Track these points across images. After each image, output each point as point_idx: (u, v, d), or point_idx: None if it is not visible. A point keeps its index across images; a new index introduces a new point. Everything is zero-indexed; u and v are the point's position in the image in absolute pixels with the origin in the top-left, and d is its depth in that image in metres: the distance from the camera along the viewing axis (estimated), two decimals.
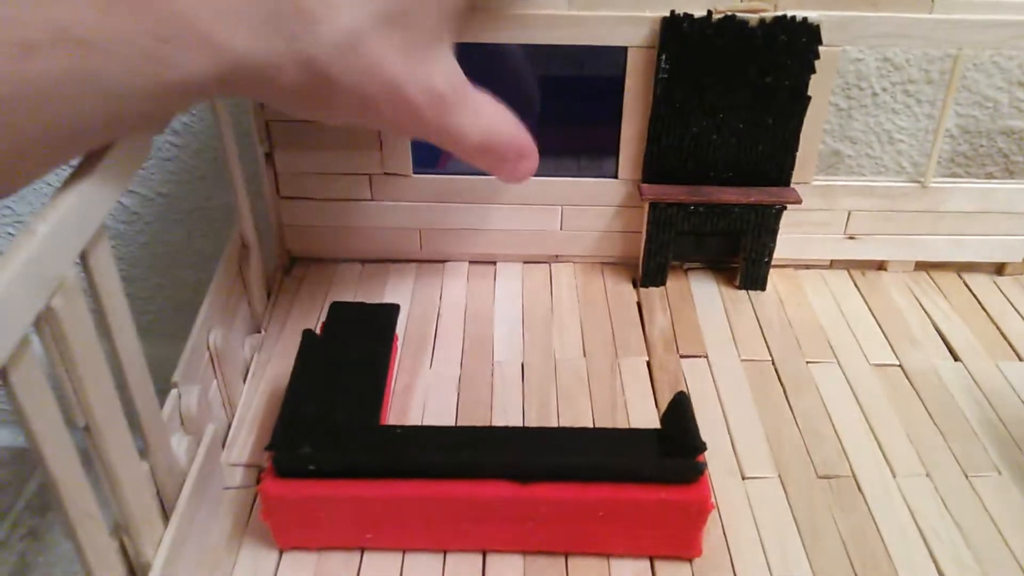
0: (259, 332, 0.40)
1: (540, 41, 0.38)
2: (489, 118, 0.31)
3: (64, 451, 0.21)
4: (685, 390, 0.37)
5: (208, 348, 0.33)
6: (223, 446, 0.34)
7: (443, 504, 0.29)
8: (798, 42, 0.37)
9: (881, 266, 0.46)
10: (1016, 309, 0.44)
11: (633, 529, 0.29)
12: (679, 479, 0.28)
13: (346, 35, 0.24)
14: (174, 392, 0.30)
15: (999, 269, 0.46)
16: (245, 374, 0.38)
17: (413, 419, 0.36)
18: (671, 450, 0.29)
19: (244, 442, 0.35)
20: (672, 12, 0.37)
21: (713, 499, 0.31)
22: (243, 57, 0.21)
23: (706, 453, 0.29)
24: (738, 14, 0.37)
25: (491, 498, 0.28)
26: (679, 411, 0.30)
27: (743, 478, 0.33)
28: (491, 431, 0.33)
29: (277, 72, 0.23)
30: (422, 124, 0.29)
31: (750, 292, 0.44)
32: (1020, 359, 0.40)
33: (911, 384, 0.38)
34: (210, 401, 0.33)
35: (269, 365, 0.39)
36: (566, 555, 0.30)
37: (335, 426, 0.30)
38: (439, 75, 0.28)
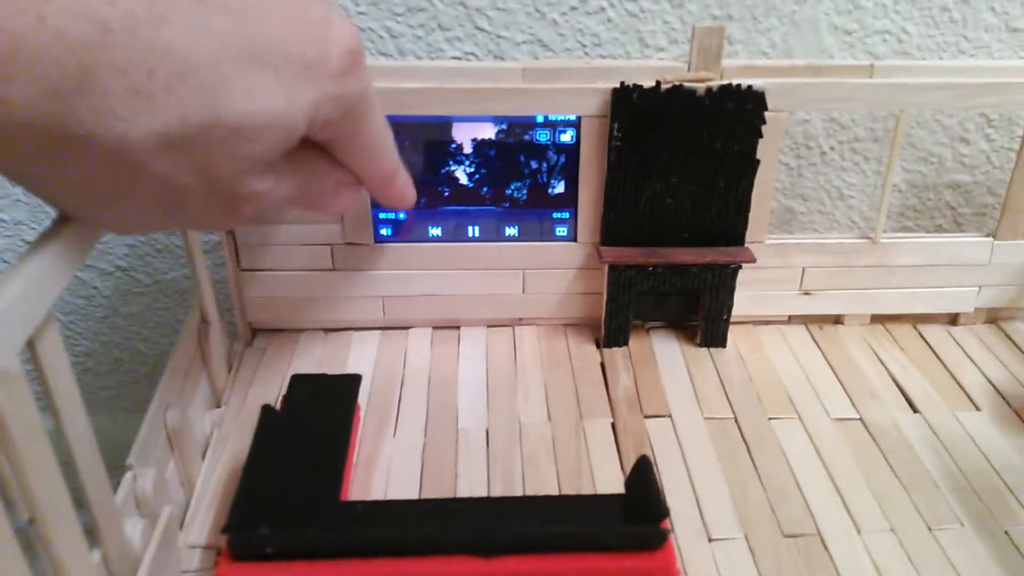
0: (219, 407, 0.40)
1: (496, 113, 0.39)
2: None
3: (4, 545, 0.21)
4: (650, 451, 0.37)
5: (165, 427, 0.33)
6: (180, 527, 0.33)
7: None
8: (744, 109, 0.39)
9: (838, 320, 0.47)
10: (971, 359, 0.44)
11: None
12: (643, 546, 0.28)
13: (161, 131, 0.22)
14: (128, 475, 0.29)
15: (953, 319, 0.47)
16: (204, 451, 0.37)
17: (376, 491, 0.35)
18: (635, 516, 0.29)
19: (203, 522, 0.34)
20: (622, 83, 0.38)
21: (680, 564, 0.31)
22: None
23: (671, 516, 0.29)
24: (685, 84, 0.38)
25: (455, 574, 0.28)
26: (642, 476, 0.30)
27: (709, 540, 0.33)
28: (454, 503, 0.32)
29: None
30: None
31: (711, 350, 0.45)
32: (977, 409, 0.41)
33: (872, 438, 0.39)
34: (167, 481, 0.32)
35: (229, 441, 0.38)
36: None
37: (294, 504, 0.30)
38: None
